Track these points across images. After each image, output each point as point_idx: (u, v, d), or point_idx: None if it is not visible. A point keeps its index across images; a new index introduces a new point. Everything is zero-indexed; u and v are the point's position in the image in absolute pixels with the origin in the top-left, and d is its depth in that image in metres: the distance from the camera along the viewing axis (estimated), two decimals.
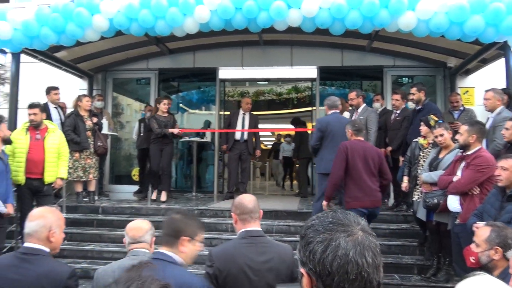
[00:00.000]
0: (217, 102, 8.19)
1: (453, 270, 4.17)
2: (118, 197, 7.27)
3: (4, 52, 6.17)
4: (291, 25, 4.98)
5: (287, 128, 11.10)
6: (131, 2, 4.90)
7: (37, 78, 7.34)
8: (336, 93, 7.88)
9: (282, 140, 12.06)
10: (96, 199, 6.44)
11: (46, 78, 7.26)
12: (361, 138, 4.33)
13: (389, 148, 5.90)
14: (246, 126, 6.99)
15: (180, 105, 8.96)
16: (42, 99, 6.00)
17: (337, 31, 5.05)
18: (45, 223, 2.13)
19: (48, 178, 4.86)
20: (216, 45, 7.55)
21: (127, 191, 7.65)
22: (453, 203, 3.73)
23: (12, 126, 5.50)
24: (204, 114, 9.28)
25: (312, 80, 8.32)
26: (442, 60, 6.99)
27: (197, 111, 9.43)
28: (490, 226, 2.62)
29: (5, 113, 5.79)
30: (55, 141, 4.96)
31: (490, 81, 6.19)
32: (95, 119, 6.27)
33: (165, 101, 6.68)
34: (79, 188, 6.18)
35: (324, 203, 4.35)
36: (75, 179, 6.05)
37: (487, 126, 4.46)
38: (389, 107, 6.63)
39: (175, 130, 6.57)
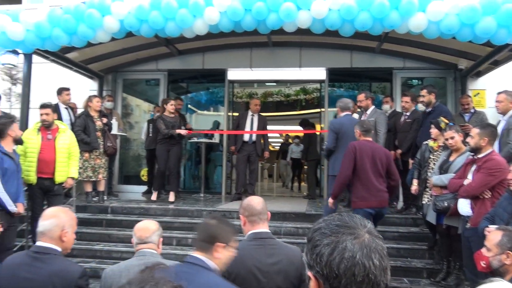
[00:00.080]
0: (225, 103, 8.21)
1: (463, 275, 4.12)
2: (127, 197, 7.32)
3: (16, 53, 6.25)
4: (300, 26, 4.97)
5: (296, 129, 11.08)
6: (141, 3, 4.94)
7: (48, 78, 7.43)
8: (345, 95, 7.85)
9: (290, 140, 12.04)
10: (105, 199, 6.48)
11: (57, 78, 7.35)
12: (370, 139, 4.34)
13: (399, 151, 5.86)
14: (255, 128, 6.99)
15: (189, 106, 9.01)
16: (53, 99, 6.06)
17: (347, 33, 5.03)
18: (58, 223, 2.15)
19: (59, 177, 4.91)
20: (225, 46, 7.58)
21: (136, 191, 7.70)
22: (464, 206, 3.69)
23: (24, 126, 5.57)
24: (213, 115, 9.31)
25: (321, 81, 8.30)
26: (453, 62, 6.92)
27: (205, 112, 9.47)
28: (502, 230, 2.59)
29: (17, 113, 5.88)
30: (66, 141, 5.02)
31: (501, 83, 6.12)
32: (105, 120, 6.33)
33: (173, 102, 6.72)
34: (88, 188, 6.23)
35: (331, 200, 4.38)
36: (85, 179, 6.11)
37: (499, 128, 4.41)
38: (399, 109, 6.58)
39: (183, 131, 6.59)
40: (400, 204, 6.22)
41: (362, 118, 5.88)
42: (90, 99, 6.34)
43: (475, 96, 6.89)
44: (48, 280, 2.00)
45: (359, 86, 8.27)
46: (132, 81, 8.64)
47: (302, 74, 8.08)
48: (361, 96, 5.89)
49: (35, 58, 6.06)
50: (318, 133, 8.31)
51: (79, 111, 6.72)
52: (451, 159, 4.25)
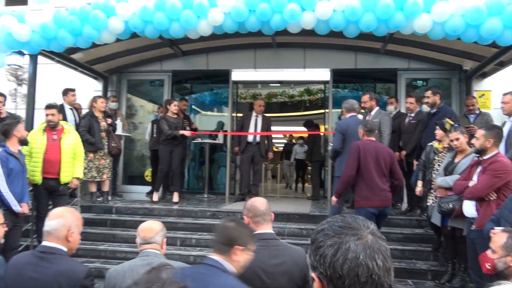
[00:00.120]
0: (229, 104, 8.22)
1: (468, 277, 4.10)
2: (131, 197, 7.34)
3: (22, 54, 6.29)
4: (304, 27, 4.97)
5: (299, 130, 11.07)
6: (146, 4, 4.96)
7: (53, 79, 7.47)
8: (349, 96, 7.84)
9: (294, 141, 12.02)
10: (109, 199, 6.51)
11: (62, 79, 7.38)
12: (373, 138, 4.35)
13: (404, 152, 5.84)
14: (259, 129, 6.99)
15: (193, 106, 9.02)
16: (58, 100, 6.09)
17: (351, 34, 5.02)
18: (64, 223, 2.17)
19: (64, 178, 4.94)
20: (229, 47, 7.59)
21: (140, 191, 7.72)
22: (469, 208, 3.67)
23: (29, 126, 5.61)
24: (217, 115, 9.33)
25: (325, 82, 8.29)
26: (458, 63, 6.89)
27: (209, 112, 9.48)
28: (507, 232, 2.57)
29: (22, 114, 5.92)
30: (71, 141, 5.04)
31: (507, 84, 6.09)
32: (109, 120, 6.36)
33: (176, 103, 6.73)
34: (93, 188, 6.26)
35: (334, 199, 4.40)
36: (89, 179, 6.13)
37: (505, 130, 4.39)
38: (403, 110, 6.57)
39: (186, 133, 6.60)
40: (405, 205, 6.21)
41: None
42: (94, 99, 6.37)
43: (480, 97, 6.86)
44: (54, 280, 2.01)
45: (363, 87, 8.25)
46: (137, 82, 8.67)
47: (306, 75, 8.07)
48: (366, 97, 5.88)
49: (41, 59, 6.10)
50: (322, 134, 8.30)
51: (84, 111, 6.76)
52: (456, 160, 4.23)
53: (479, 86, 7.00)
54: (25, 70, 7.28)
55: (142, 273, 2.12)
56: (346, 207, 5.71)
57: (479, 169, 3.68)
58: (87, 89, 7.61)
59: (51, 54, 6.14)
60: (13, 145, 4.31)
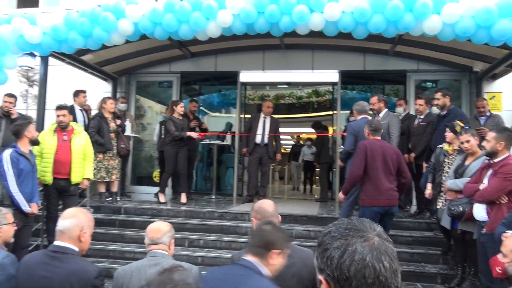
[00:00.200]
0: (237, 105, 8.23)
1: (478, 281, 4.05)
2: (139, 198, 7.39)
3: (33, 55, 6.38)
4: (313, 29, 4.96)
5: (307, 131, 11.05)
6: (155, 6, 4.99)
7: (64, 80, 7.55)
8: (358, 97, 7.81)
9: (301, 142, 12.00)
10: (118, 199, 6.55)
11: (72, 80, 7.47)
12: (379, 138, 4.37)
13: (413, 155, 5.80)
14: (267, 130, 6.99)
15: (201, 107, 9.06)
16: (68, 101, 6.15)
17: (360, 35, 5.00)
18: (78, 223, 2.19)
19: (74, 178, 4.99)
20: (238, 48, 7.61)
21: (148, 192, 7.76)
22: (480, 211, 3.63)
23: (40, 127, 5.68)
24: (225, 117, 9.35)
25: (333, 84, 8.27)
26: (468, 65, 6.83)
27: (217, 113, 9.50)
28: None
29: (33, 115, 6.00)
30: (81, 142, 5.09)
31: None
32: (118, 121, 6.41)
33: (182, 104, 6.74)
34: (102, 188, 6.31)
35: (341, 195, 4.47)
36: (99, 180, 6.18)
37: None
38: (412, 112, 6.52)
39: (194, 134, 6.61)
40: (414, 208, 6.16)
41: None
42: (104, 100, 6.42)
43: (491, 99, 6.78)
44: (65, 279, 2.03)
45: (371, 89, 8.22)
46: (145, 83, 8.73)
47: (314, 76, 8.06)
48: (374, 99, 5.85)
49: (51, 60, 6.18)
50: (330, 135, 8.28)
51: (93, 113, 6.82)
52: (467, 163, 4.19)
53: (490, 88, 6.92)
54: (36, 72, 7.39)
55: (149, 273, 2.16)
56: (356, 209, 5.68)
57: (489, 172, 3.64)
58: (97, 90, 7.68)
59: (61, 56, 6.22)
60: (24, 146, 4.37)
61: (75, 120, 6.01)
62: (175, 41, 6.52)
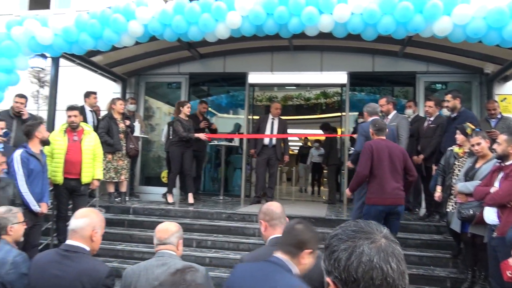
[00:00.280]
0: (246, 107, 8.24)
1: (488, 285, 4.00)
2: (148, 198, 7.44)
3: (44, 57, 6.46)
4: (322, 30, 4.95)
5: (316, 133, 11.03)
6: (165, 8, 5.02)
7: (74, 81, 7.64)
8: (366, 99, 7.78)
9: (309, 144, 11.97)
10: (127, 199, 6.60)
11: (82, 81, 7.55)
12: (383, 137, 4.38)
13: (421, 157, 5.75)
14: (275, 131, 6.99)
15: (210, 109, 9.09)
16: (78, 101, 6.22)
17: (369, 37, 4.98)
18: (90, 222, 2.22)
19: (85, 178, 5.04)
20: (246, 50, 7.62)
21: (156, 192, 7.80)
22: (490, 215, 3.59)
23: (51, 127, 5.75)
24: (233, 118, 9.37)
25: (342, 85, 8.23)
26: (479, 66, 6.76)
27: (226, 115, 9.53)
28: None
29: (44, 115, 6.07)
30: (91, 142, 5.14)
31: None
32: (127, 122, 6.45)
33: (189, 105, 6.76)
34: (111, 188, 6.36)
35: (348, 193, 4.58)
36: (108, 180, 6.23)
37: None
38: (422, 114, 6.47)
39: (202, 136, 6.63)
40: (423, 210, 6.11)
41: None
42: (113, 101, 6.48)
43: (501, 101, 6.70)
44: (77, 278, 2.06)
45: (380, 90, 8.17)
46: (154, 84, 8.78)
47: (323, 78, 8.03)
48: (383, 101, 5.82)
49: (62, 61, 6.25)
50: (338, 137, 8.25)
51: (102, 114, 6.87)
52: (477, 165, 4.15)
53: (501, 90, 6.84)
54: (47, 73, 7.49)
55: (156, 273, 2.16)
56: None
57: (500, 175, 3.60)
58: (106, 91, 7.75)
59: (72, 57, 6.29)
60: (34, 146, 4.42)
61: (85, 120, 6.07)
62: (184, 42, 6.56)
